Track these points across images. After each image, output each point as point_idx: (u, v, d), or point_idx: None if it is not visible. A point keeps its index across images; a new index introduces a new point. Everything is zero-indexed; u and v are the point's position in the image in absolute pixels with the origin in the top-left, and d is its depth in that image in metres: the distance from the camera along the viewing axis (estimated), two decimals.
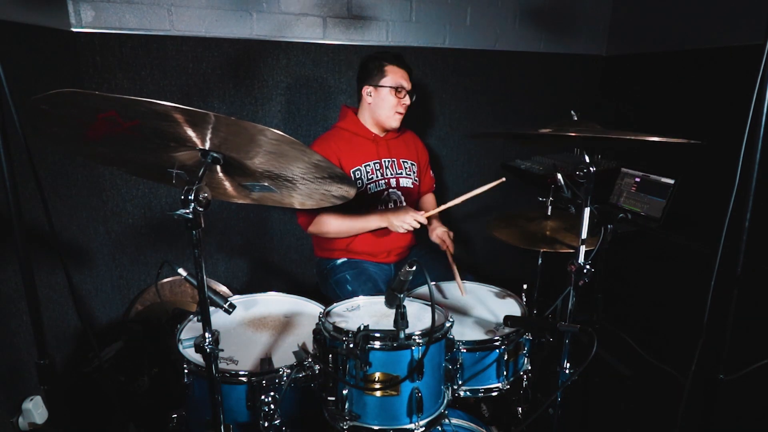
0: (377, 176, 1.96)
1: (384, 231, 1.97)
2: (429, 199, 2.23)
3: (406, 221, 1.78)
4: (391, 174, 1.99)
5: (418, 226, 1.80)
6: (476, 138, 1.59)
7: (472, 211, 2.92)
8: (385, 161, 1.98)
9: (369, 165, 1.94)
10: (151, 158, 1.07)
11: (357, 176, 1.92)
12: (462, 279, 1.78)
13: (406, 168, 2.03)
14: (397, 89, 1.89)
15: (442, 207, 1.83)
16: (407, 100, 1.92)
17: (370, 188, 1.94)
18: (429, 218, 2.06)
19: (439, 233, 1.94)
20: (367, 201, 1.95)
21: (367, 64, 1.93)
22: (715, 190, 2.03)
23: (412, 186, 2.04)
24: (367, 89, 1.92)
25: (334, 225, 1.88)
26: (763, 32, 1.07)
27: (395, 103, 1.90)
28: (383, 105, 1.91)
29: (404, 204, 2.02)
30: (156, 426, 1.83)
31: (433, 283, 1.82)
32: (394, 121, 1.94)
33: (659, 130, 2.44)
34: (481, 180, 2.87)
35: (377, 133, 1.99)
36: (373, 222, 1.86)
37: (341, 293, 1.87)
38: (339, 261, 2.01)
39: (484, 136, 1.57)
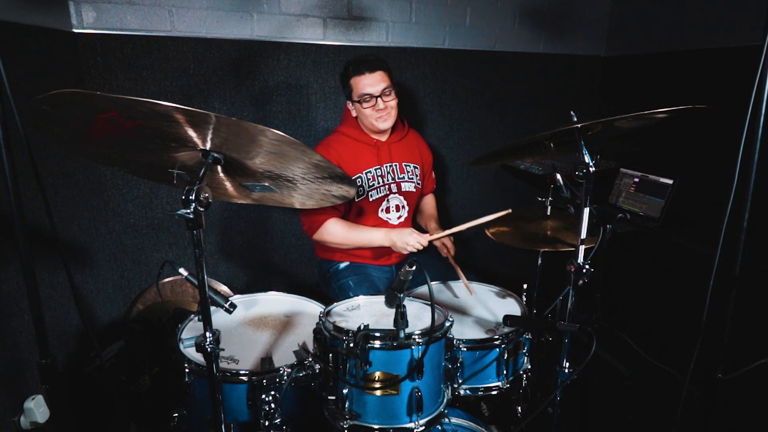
0: (378, 182, 1.95)
1: None
2: (429, 200, 2.23)
3: (409, 244, 1.76)
4: (393, 179, 1.98)
5: (420, 248, 1.77)
6: (477, 164, 1.58)
7: (473, 211, 2.92)
8: (386, 166, 1.97)
9: (370, 171, 1.93)
10: (152, 158, 1.07)
11: (358, 183, 1.91)
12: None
13: (408, 172, 2.02)
14: (364, 100, 1.83)
15: (448, 232, 1.77)
16: (380, 105, 1.84)
17: (371, 195, 1.93)
18: (429, 225, 2.07)
19: (445, 242, 1.92)
20: (369, 207, 1.95)
21: (341, 79, 1.91)
22: (713, 190, 2.04)
23: (414, 190, 2.04)
24: (349, 104, 1.92)
25: (337, 236, 1.87)
26: (761, 33, 1.07)
27: (371, 111, 1.85)
28: (363, 115, 1.88)
29: (407, 208, 2.02)
30: (157, 425, 1.84)
31: (434, 282, 1.82)
32: (380, 125, 1.88)
33: (658, 129, 2.45)
34: (481, 180, 2.89)
35: (378, 138, 1.97)
36: (376, 240, 1.85)
37: (344, 298, 1.88)
38: (342, 265, 2.01)
39: (485, 159, 1.57)
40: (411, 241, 1.76)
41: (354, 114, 1.93)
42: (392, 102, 1.88)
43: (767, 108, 1.08)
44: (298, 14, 2.28)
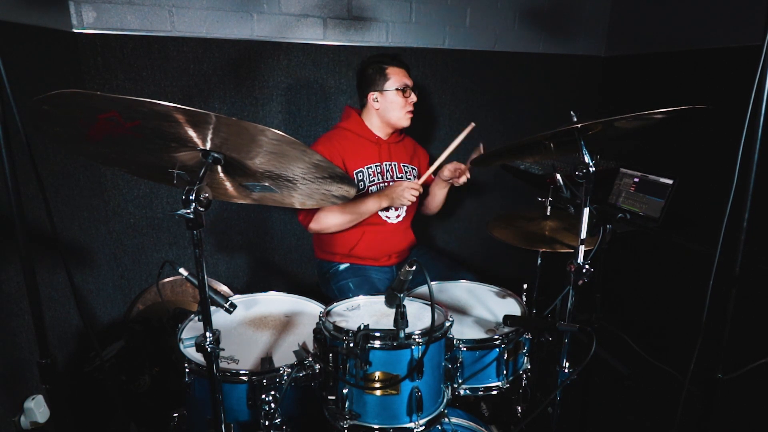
0: (378, 179, 1.96)
1: (384, 235, 1.97)
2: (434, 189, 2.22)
3: (404, 194, 1.81)
4: (392, 177, 1.99)
5: (417, 194, 1.83)
6: (477, 164, 1.60)
7: (473, 211, 2.92)
8: (386, 164, 1.98)
9: (371, 167, 1.95)
10: (152, 158, 1.07)
11: (359, 178, 1.92)
12: (462, 278, 1.79)
13: (406, 172, 2.04)
14: (404, 90, 1.90)
15: (433, 166, 1.89)
16: (414, 98, 1.93)
17: (371, 190, 1.94)
18: (426, 186, 2.09)
19: (448, 167, 1.95)
20: None
21: (367, 70, 1.92)
22: (713, 190, 2.04)
23: None
24: (372, 95, 1.92)
25: (334, 219, 1.88)
26: (761, 33, 1.07)
27: (403, 103, 1.91)
28: (392, 107, 1.91)
29: (404, 207, 2.02)
30: (157, 425, 1.84)
31: (434, 282, 1.82)
32: (405, 121, 1.95)
33: (658, 129, 2.45)
34: (480, 179, 2.90)
35: (381, 136, 1.99)
36: (372, 206, 1.86)
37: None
38: (341, 266, 2.01)
39: (485, 159, 1.57)
40: (406, 193, 1.81)
41: (376, 107, 1.94)
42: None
43: (767, 108, 1.08)
44: (298, 14, 2.28)
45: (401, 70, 1.92)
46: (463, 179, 1.93)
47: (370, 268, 2.01)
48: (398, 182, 1.85)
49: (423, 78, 2.59)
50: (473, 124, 1.79)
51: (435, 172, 1.94)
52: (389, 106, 1.92)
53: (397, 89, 1.89)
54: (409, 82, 1.93)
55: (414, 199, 1.84)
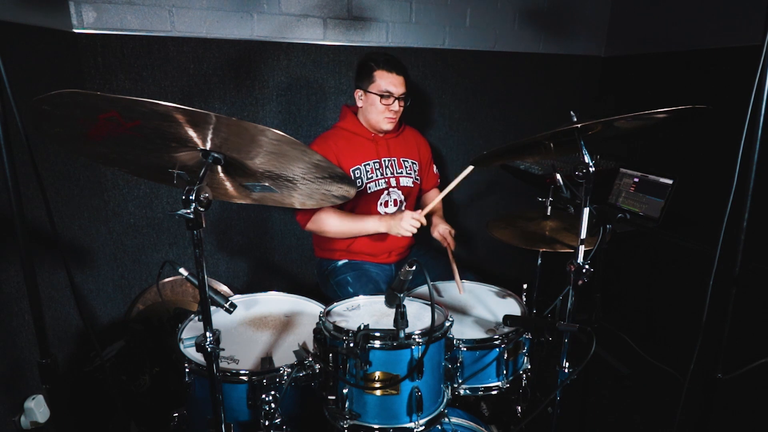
0: (377, 175, 1.96)
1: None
2: (433, 195, 2.23)
3: (404, 225, 1.76)
4: (391, 173, 1.99)
5: (417, 228, 1.78)
6: (478, 164, 1.59)
7: (473, 211, 2.92)
8: (384, 160, 1.98)
9: (368, 164, 1.95)
10: (153, 158, 1.07)
11: (356, 175, 1.92)
12: (462, 278, 1.79)
13: (406, 167, 2.04)
14: (383, 96, 1.86)
15: (434, 202, 1.84)
16: (395, 106, 1.89)
17: (369, 187, 1.94)
18: (429, 215, 2.07)
19: (440, 230, 1.94)
20: (367, 200, 1.95)
21: (359, 67, 1.92)
22: (713, 190, 2.04)
23: (412, 185, 2.05)
24: (358, 92, 1.93)
25: (332, 225, 1.88)
26: (761, 33, 1.07)
27: (382, 109, 1.88)
28: (372, 110, 1.90)
29: (405, 203, 2.03)
30: (157, 425, 1.84)
31: (433, 283, 1.82)
32: (384, 125, 1.92)
33: (658, 129, 2.45)
34: (481, 180, 2.90)
35: (376, 132, 1.99)
36: (371, 227, 1.86)
37: (342, 295, 1.87)
38: (340, 262, 2.02)
39: (485, 159, 1.56)
40: (405, 224, 1.76)
41: (360, 104, 1.94)
42: (401, 109, 1.92)
43: (767, 108, 1.08)
44: (298, 14, 2.28)
45: (391, 75, 1.85)
46: (445, 245, 1.91)
47: (369, 264, 2.01)
48: (403, 212, 1.80)
49: (423, 78, 2.59)
50: (471, 168, 1.67)
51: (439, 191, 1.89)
52: (369, 108, 1.91)
53: (376, 94, 1.86)
54: (395, 90, 1.86)
55: (412, 232, 1.78)
